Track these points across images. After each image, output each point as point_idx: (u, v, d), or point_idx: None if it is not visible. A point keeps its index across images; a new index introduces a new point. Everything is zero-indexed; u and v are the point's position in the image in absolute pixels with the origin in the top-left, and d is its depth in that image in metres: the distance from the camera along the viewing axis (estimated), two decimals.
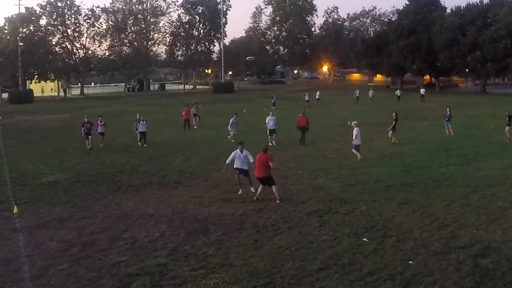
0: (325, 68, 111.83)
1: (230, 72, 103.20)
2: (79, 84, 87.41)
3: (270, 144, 24.66)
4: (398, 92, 59.96)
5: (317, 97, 56.12)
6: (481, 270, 9.52)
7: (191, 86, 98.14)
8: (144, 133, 26.75)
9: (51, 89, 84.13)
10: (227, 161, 15.92)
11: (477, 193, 15.28)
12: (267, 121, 26.63)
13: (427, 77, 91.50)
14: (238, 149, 15.82)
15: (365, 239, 11.34)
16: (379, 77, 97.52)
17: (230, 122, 27.68)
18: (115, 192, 16.61)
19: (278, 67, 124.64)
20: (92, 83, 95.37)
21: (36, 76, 76.45)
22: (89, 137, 25.75)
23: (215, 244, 11.28)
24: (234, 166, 15.76)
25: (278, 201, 14.55)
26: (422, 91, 60.59)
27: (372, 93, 59.01)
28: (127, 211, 14.21)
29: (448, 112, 29.72)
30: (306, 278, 9.39)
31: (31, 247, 11.41)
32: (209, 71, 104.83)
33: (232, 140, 26.44)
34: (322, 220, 12.81)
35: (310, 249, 10.82)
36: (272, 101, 51.87)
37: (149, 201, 15.35)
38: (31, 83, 78.14)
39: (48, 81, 78.87)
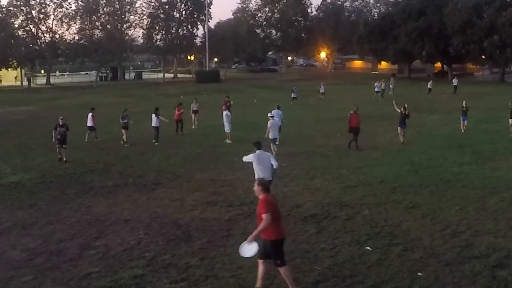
0: (323, 55, 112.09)
1: (215, 59, 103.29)
2: (43, 72, 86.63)
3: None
4: (429, 84, 57.93)
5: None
6: (499, 283, 9.54)
7: (172, 75, 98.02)
8: (157, 128, 26.16)
9: (15, 78, 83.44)
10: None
11: (495, 196, 15.35)
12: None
13: (438, 64, 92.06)
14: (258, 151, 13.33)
15: (368, 248, 11.36)
16: (384, 64, 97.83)
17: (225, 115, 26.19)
18: (85, 194, 16.52)
19: (269, 53, 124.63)
20: (57, 72, 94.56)
21: None
22: (64, 146, 21.79)
23: (199, 253, 11.24)
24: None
25: None
26: (455, 81, 58.88)
27: (392, 84, 57.77)
28: (99, 216, 14.14)
29: (464, 106, 28.94)
30: None
31: None
32: (192, 57, 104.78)
33: (229, 141, 25.72)
34: (320, 226, 12.82)
35: (306, 259, 10.82)
36: (292, 95, 48.52)
37: (124, 204, 15.29)
38: None
39: (9, 69, 78.32)
